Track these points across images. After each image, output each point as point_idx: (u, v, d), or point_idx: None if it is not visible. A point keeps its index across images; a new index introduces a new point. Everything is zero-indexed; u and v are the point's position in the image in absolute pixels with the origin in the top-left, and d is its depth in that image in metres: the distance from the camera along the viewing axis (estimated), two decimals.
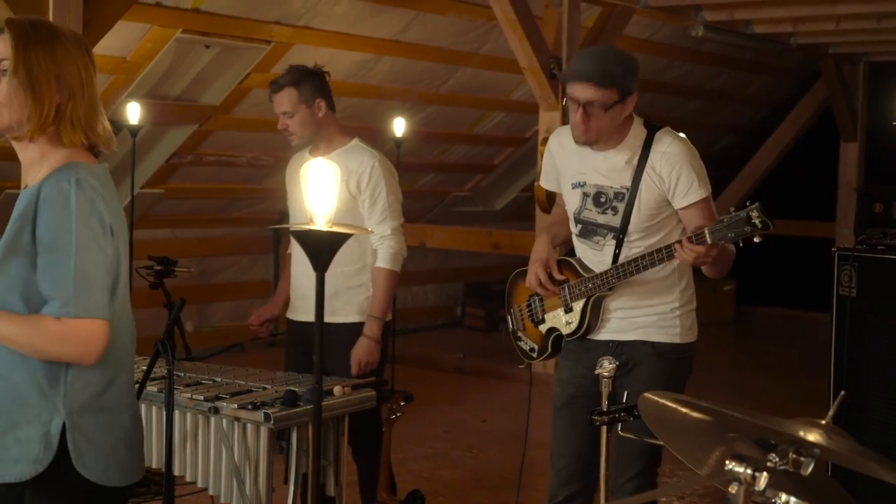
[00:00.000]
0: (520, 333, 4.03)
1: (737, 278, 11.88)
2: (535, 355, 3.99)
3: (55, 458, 2.47)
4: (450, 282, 11.75)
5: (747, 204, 3.29)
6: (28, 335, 2.43)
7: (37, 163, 2.57)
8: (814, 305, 11.84)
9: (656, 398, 2.66)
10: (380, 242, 4.43)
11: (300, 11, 7.87)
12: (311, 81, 4.43)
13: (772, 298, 12.39)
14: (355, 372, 4.28)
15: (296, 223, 4.42)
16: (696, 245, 3.39)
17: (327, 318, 4.37)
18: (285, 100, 4.41)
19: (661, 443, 2.62)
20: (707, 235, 3.37)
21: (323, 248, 2.63)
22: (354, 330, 4.37)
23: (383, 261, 4.42)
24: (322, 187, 2.58)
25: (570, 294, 3.80)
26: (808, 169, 12.19)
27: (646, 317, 3.75)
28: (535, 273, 3.83)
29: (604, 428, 2.98)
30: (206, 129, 8.55)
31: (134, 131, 7.43)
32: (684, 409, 2.55)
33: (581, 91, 3.57)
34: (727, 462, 2.01)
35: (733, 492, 1.97)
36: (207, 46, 8.02)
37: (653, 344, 3.73)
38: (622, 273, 3.66)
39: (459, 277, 11.74)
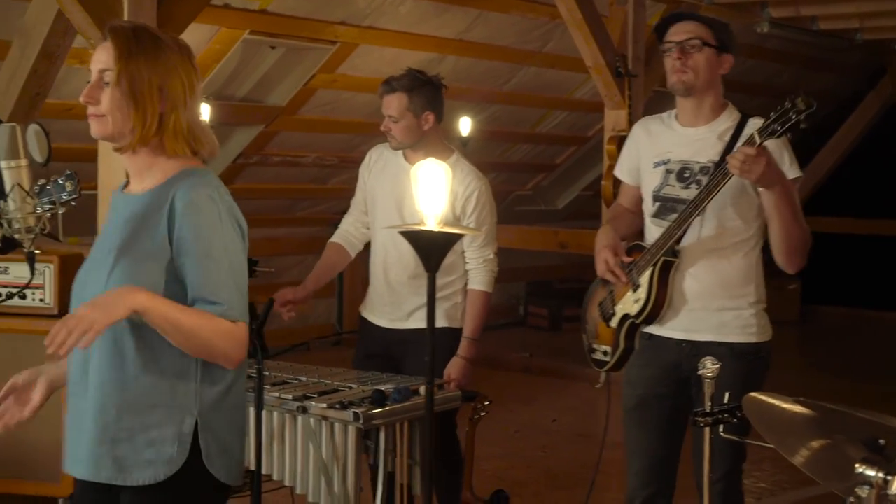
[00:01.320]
0: (594, 344, 3.93)
1: (802, 277, 11.74)
2: (608, 358, 3.83)
3: (188, 457, 2.49)
4: (512, 281, 11.71)
5: None
6: (210, 330, 2.45)
7: (145, 171, 2.58)
8: (881, 304, 11.75)
9: (763, 398, 2.63)
10: (481, 266, 4.35)
11: (365, 11, 7.88)
12: (425, 92, 4.29)
13: (838, 297, 12.25)
14: (453, 387, 4.20)
15: (384, 218, 4.36)
16: (745, 147, 3.32)
17: (410, 324, 4.41)
18: (394, 104, 4.25)
19: (765, 443, 2.59)
20: (756, 136, 3.29)
21: (434, 248, 2.62)
22: (438, 336, 4.33)
23: (482, 283, 4.35)
24: (433, 188, 2.57)
25: (636, 270, 3.69)
26: (874, 166, 12.04)
27: (720, 314, 3.61)
28: (603, 259, 3.72)
29: (707, 429, 2.93)
30: (271, 129, 8.59)
31: None
32: (793, 408, 2.52)
33: (680, 29, 3.61)
34: (857, 466, 1.97)
35: (864, 495, 1.93)
36: (273, 47, 8.06)
37: (730, 345, 3.58)
38: (680, 223, 3.56)
39: (521, 277, 11.71)
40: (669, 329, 3.67)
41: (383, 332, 4.43)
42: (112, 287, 2.47)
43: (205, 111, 7.48)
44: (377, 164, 4.50)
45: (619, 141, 7.85)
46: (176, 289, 2.49)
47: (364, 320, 4.56)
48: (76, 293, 2.60)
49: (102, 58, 2.50)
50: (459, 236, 2.66)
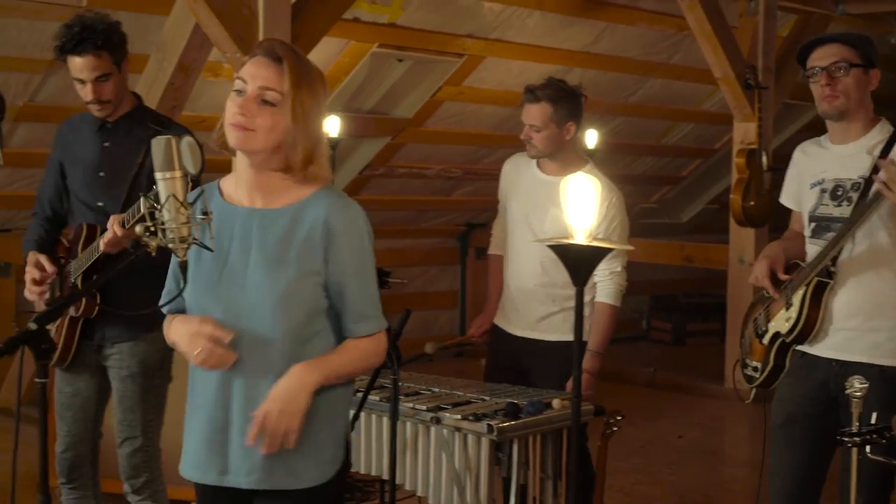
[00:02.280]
0: (747, 359, 3.91)
1: None
2: (757, 374, 3.82)
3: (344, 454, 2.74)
4: (635, 294, 11.59)
5: None
6: (360, 359, 2.71)
7: (274, 187, 2.63)
8: None
9: None
10: (608, 278, 4.32)
11: (493, 24, 7.90)
12: (569, 102, 4.32)
13: None
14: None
15: (514, 227, 4.43)
16: (889, 165, 3.26)
17: (538, 334, 4.41)
18: (538, 113, 4.28)
19: None
20: None
21: (583, 262, 2.62)
22: (565, 349, 4.33)
23: (609, 296, 4.32)
24: (583, 202, 2.56)
25: (790, 289, 3.66)
26: None
27: (873, 334, 3.54)
28: (758, 268, 3.74)
29: (854, 450, 2.87)
30: (398, 141, 8.67)
31: (333, 144, 7.57)
32: None
33: (823, 53, 3.56)
34: None
35: None
36: (400, 60, 8.13)
37: (881, 368, 3.51)
38: (833, 243, 3.52)
39: (645, 290, 11.59)
40: (821, 348, 3.64)
41: (513, 341, 4.46)
42: (252, 293, 2.57)
43: (333, 123, 7.59)
44: (511, 174, 4.56)
45: (748, 154, 7.74)
46: (319, 299, 2.63)
47: (495, 327, 4.59)
48: (202, 301, 2.64)
49: (266, 75, 2.54)
50: (608, 250, 2.63)
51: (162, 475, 4.03)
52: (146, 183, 3.77)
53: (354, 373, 2.73)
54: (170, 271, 2.73)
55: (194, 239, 2.37)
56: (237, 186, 2.67)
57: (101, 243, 3.66)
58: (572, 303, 4.24)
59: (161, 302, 2.68)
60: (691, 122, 10.27)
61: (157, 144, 2.36)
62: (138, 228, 2.35)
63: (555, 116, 4.27)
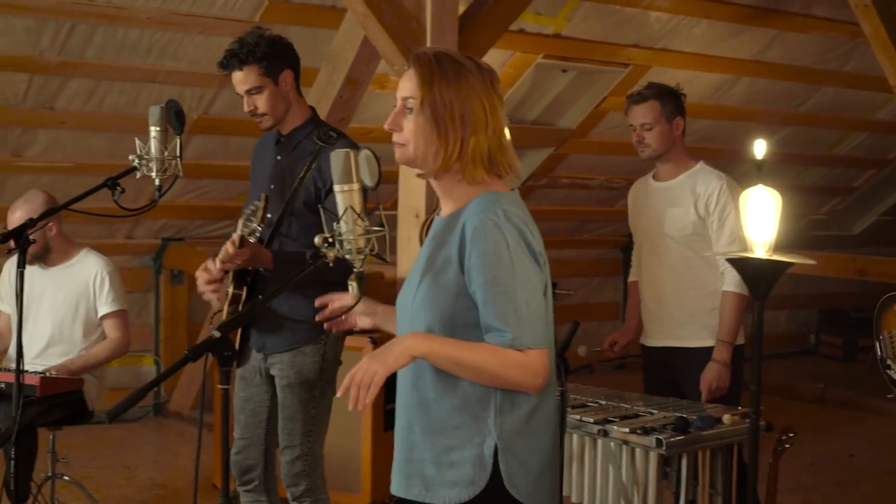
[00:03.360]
0: (889, 361, 3.81)
1: None
2: None
3: (489, 480, 2.51)
4: (803, 308, 11.32)
5: None
6: (496, 363, 2.45)
7: (447, 194, 2.62)
8: None
9: None
10: (727, 265, 4.27)
11: (659, 34, 7.82)
12: (673, 99, 4.49)
13: None
14: (706, 397, 4.25)
15: (644, 241, 4.60)
16: None
17: (682, 343, 4.41)
18: (647, 112, 4.46)
19: None
20: None
21: (762, 276, 2.57)
22: (708, 354, 4.32)
23: (732, 284, 4.32)
24: (762, 215, 2.52)
25: None
26: None
27: None
28: None
29: None
30: (561, 152, 8.65)
31: None
32: None
33: None
34: None
35: None
36: (565, 71, 8.11)
37: None
38: None
39: (813, 303, 11.30)
40: None
41: (657, 353, 4.51)
42: (417, 308, 2.55)
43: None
44: (634, 197, 4.78)
45: None
46: (472, 314, 2.50)
47: (642, 347, 4.65)
48: (399, 314, 2.68)
49: (406, 86, 2.54)
50: (789, 264, 2.57)
51: (325, 483, 4.10)
52: (304, 196, 3.90)
53: (481, 370, 2.46)
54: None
55: (371, 250, 2.40)
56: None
57: (218, 260, 3.75)
58: (708, 305, 4.32)
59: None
60: (865, 131, 9.97)
61: (336, 158, 2.40)
62: (317, 240, 2.40)
63: (664, 112, 4.43)
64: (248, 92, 3.90)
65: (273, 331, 3.94)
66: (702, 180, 4.41)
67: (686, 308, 4.38)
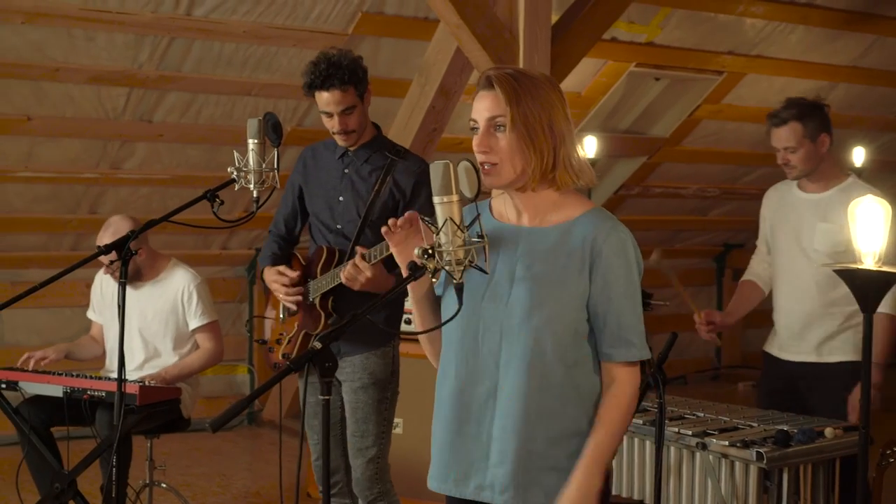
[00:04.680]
0: None
1: None
2: None
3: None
4: None
5: None
6: (626, 420, 2.60)
7: (542, 206, 2.63)
8: None
9: None
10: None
11: (754, 41, 7.73)
12: (816, 116, 4.31)
13: None
14: (854, 418, 4.09)
15: (784, 251, 4.40)
16: None
17: (819, 358, 4.30)
18: (789, 135, 4.28)
19: None
20: None
21: (871, 287, 2.51)
22: (850, 370, 4.19)
23: (886, 306, 4.17)
24: (871, 225, 2.46)
25: None
26: None
27: None
28: None
29: None
30: (654, 160, 8.58)
31: (591, 164, 7.57)
32: None
33: None
34: None
35: None
36: (657, 79, 8.06)
37: None
38: None
39: None
40: None
41: (789, 366, 4.39)
42: (515, 311, 2.56)
43: (591, 144, 7.59)
44: (774, 202, 4.56)
45: None
46: (586, 325, 2.59)
47: (767, 356, 4.54)
48: (465, 314, 2.60)
49: (488, 105, 2.57)
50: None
51: (393, 487, 4.15)
52: (380, 207, 4.02)
53: (623, 432, 2.63)
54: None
55: (470, 261, 2.40)
56: (506, 204, 2.70)
57: (342, 276, 3.89)
58: (853, 321, 4.20)
59: (441, 322, 2.68)
60: None
61: (436, 169, 2.40)
62: (416, 251, 2.40)
63: (806, 132, 4.27)
64: (343, 111, 4.00)
65: (347, 335, 3.97)
66: (856, 196, 4.26)
67: (832, 326, 4.27)
